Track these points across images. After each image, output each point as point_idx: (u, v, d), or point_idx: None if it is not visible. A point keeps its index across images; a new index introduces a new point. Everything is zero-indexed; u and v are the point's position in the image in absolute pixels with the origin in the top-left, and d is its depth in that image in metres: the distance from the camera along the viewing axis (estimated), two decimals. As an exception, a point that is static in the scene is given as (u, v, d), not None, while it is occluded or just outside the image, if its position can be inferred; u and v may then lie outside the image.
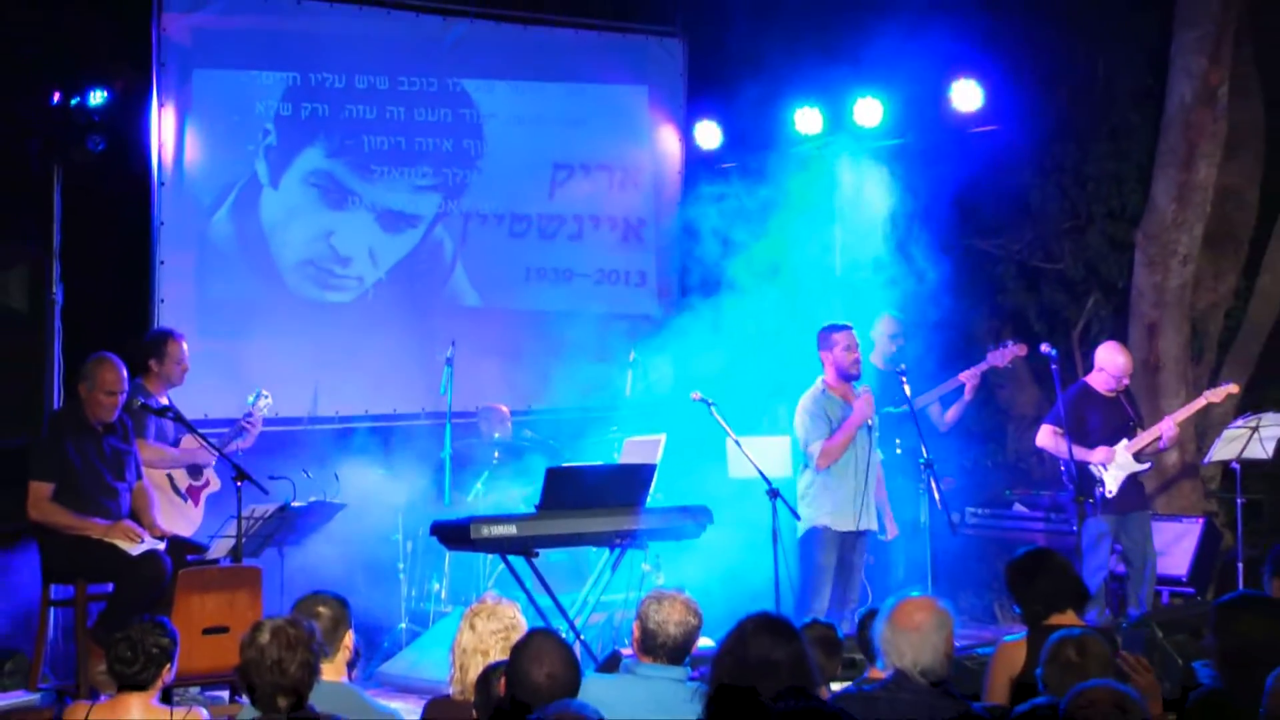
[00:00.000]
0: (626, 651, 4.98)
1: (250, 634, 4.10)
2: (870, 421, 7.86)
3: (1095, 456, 8.24)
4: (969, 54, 9.83)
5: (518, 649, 4.08)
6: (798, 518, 7.80)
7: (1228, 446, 8.65)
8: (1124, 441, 8.28)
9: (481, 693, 4.35)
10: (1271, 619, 4.56)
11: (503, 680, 4.09)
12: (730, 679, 3.88)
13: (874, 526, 7.97)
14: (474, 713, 4.43)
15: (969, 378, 9.01)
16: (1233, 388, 8.71)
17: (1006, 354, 9.02)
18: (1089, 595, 6.58)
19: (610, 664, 5.69)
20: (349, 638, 4.77)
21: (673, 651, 4.56)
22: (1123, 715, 3.62)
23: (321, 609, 4.71)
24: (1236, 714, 4.15)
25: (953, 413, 9.13)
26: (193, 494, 7.81)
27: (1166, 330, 10.02)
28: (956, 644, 4.45)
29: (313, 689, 4.12)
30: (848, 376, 7.85)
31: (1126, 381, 8.46)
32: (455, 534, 6.95)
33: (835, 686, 5.12)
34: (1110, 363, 8.37)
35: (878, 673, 4.72)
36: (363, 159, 9.67)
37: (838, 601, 7.81)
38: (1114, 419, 8.35)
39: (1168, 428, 8.30)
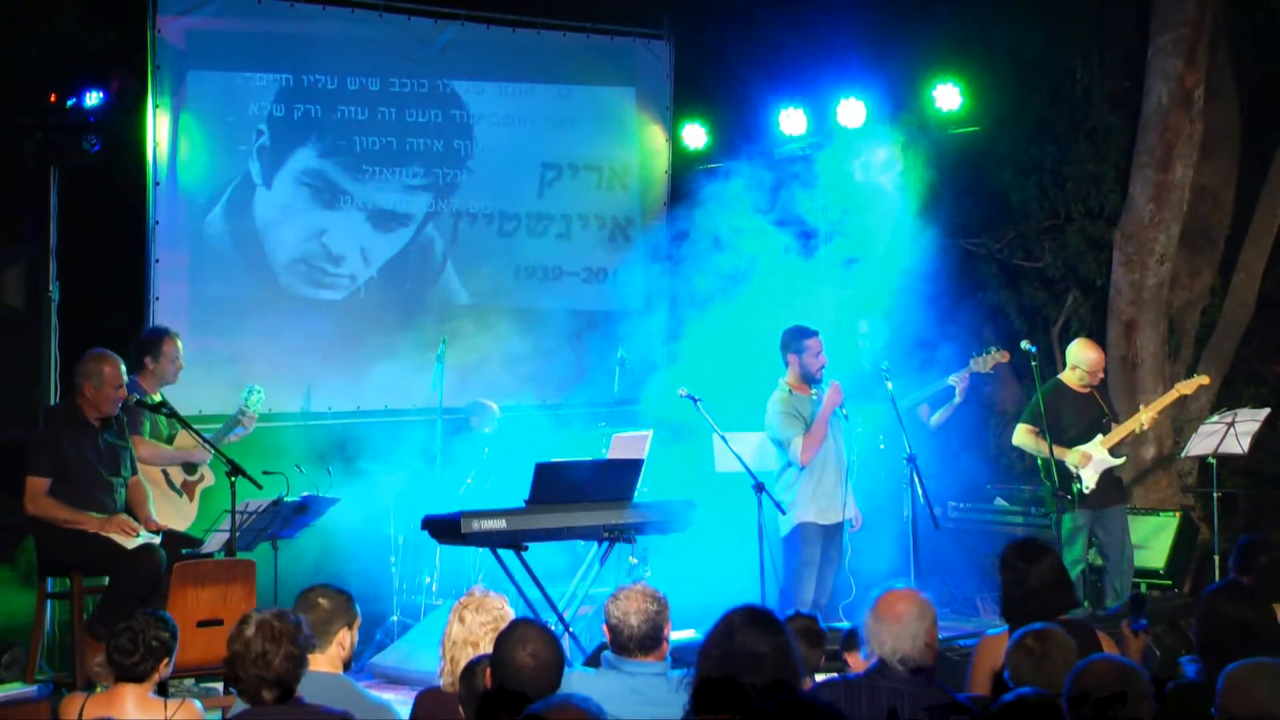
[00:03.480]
0: None
1: (237, 627, 4.15)
2: (844, 412, 7.99)
3: (1070, 458, 8.34)
4: (950, 56, 9.95)
5: (501, 636, 4.10)
6: (783, 511, 7.89)
7: (1204, 441, 8.76)
8: (1098, 437, 8.39)
9: (465, 685, 4.36)
10: (1250, 608, 4.66)
11: (488, 672, 4.11)
12: (716, 671, 3.88)
13: (852, 515, 8.10)
14: (460, 707, 4.43)
15: (957, 381, 9.11)
16: (1204, 379, 8.81)
17: (989, 360, 9.13)
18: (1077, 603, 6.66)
19: (597, 657, 5.75)
20: (344, 635, 4.72)
21: (642, 642, 4.55)
22: (1126, 686, 3.73)
23: (321, 600, 4.70)
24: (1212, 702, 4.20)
25: (940, 415, 9.25)
26: (187, 489, 7.86)
27: (1144, 328, 10.15)
28: (938, 635, 4.52)
29: (300, 680, 4.14)
30: (811, 380, 7.97)
31: (1102, 376, 8.56)
32: (445, 528, 6.99)
33: (820, 678, 5.22)
34: (1082, 359, 8.45)
35: (861, 661, 4.82)
36: (354, 159, 9.73)
37: (818, 595, 7.89)
38: (1088, 415, 8.43)
39: (1143, 421, 8.42)
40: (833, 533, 7.99)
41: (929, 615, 4.37)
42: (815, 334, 8.01)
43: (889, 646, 4.31)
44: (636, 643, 4.55)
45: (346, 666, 4.81)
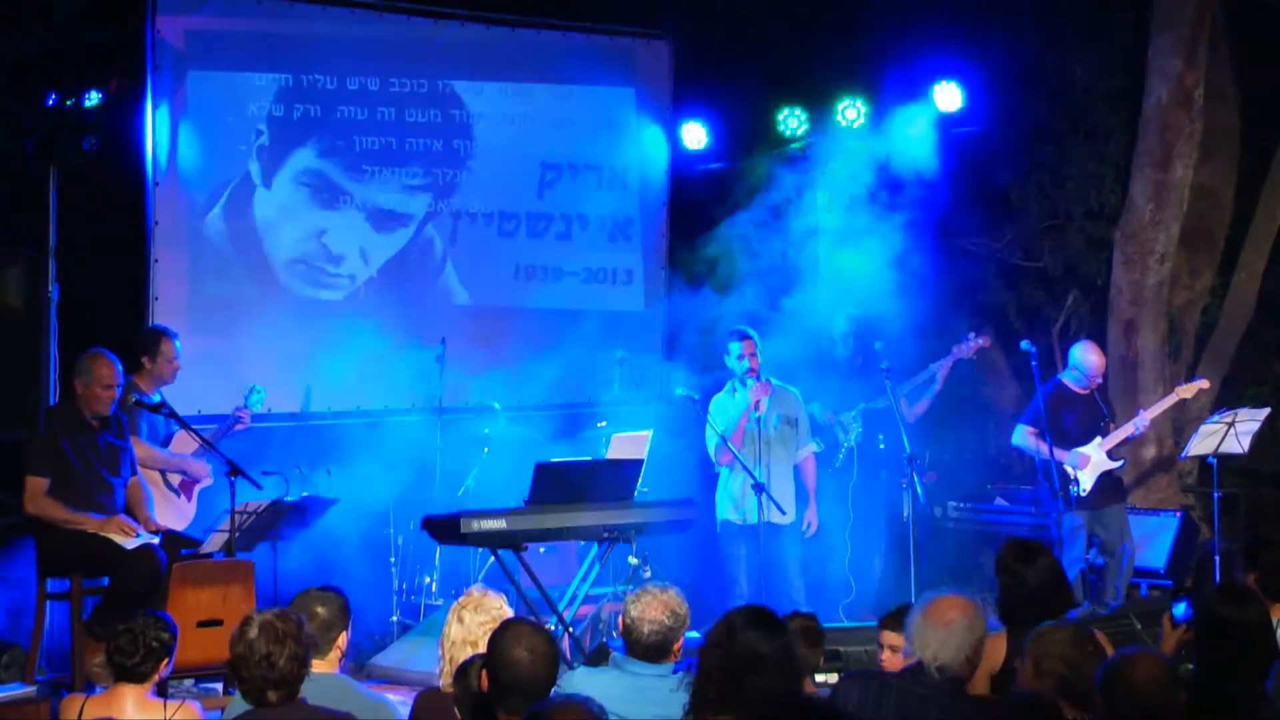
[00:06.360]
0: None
1: (239, 629, 4.16)
2: (760, 413, 8.01)
3: (1069, 459, 8.35)
4: (950, 56, 9.95)
5: (495, 635, 4.07)
6: (782, 512, 7.90)
7: (1204, 441, 8.76)
8: (1098, 439, 8.40)
9: (460, 686, 4.36)
10: (1245, 609, 4.64)
11: (483, 674, 4.08)
12: (717, 671, 3.87)
13: (784, 519, 8.09)
14: (455, 709, 4.43)
15: (939, 369, 9.13)
16: (1204, 383, 8.84)
17: (971, 346, 9.14)
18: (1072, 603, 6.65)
19: (597, 656, 5.75)
20: (343, 639, 4.76)
21: (647, 650, 4.53)
22: (1171, 687, 3.74)
23: (319, 608, 4.70)
24: (1211, 698, 4.25)
25: (921, 405, 9.26)
26: (185, 489, 7.88)
27: (1144, 328, 10.16)
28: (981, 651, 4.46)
29: (304, 680, 4.16)
30: (741, 382, 8.12)
31: (1099, 380, 8.58)
32: (445, 528, 7.03)
33: (820, 678, 5.23)
34: (1083, 361, 8.49)
35: (897, 639, 4.81)
36: (354, 159, 9.70)
37: (761, 596, 7.82)
38: (1088, 417, 8.46)
39: (1143, 423, 8.43)
40: (768, 534, 7.95)
41: (978, 630, 4.34)
42: (746, 337, 8.13)
43: (931, 651, 4.29)
44: (642, 649, 4.55)
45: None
